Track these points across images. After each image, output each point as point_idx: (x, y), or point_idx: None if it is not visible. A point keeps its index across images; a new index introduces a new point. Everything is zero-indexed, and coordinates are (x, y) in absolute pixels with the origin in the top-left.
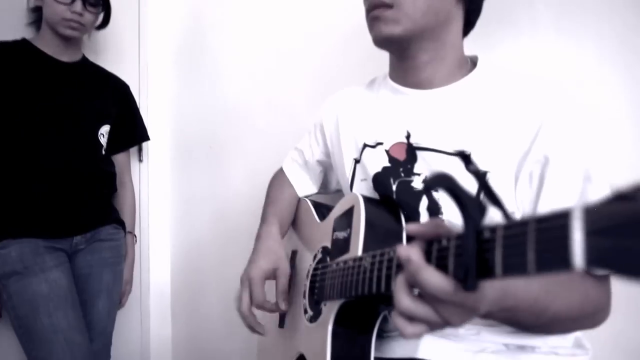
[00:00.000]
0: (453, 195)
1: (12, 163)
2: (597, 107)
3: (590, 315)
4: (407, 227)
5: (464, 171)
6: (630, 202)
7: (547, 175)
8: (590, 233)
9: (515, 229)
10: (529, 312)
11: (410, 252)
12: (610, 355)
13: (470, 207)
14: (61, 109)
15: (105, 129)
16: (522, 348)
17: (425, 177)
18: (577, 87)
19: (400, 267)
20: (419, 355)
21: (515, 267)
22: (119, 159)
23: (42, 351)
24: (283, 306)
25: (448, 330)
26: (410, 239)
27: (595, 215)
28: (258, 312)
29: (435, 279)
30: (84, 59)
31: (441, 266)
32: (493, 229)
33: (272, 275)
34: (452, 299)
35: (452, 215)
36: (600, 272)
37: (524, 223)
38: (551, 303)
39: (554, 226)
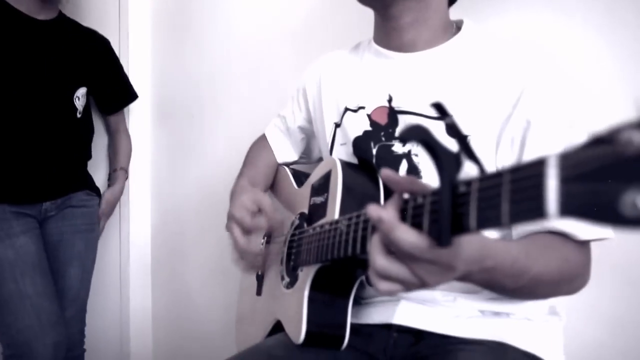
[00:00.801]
0: (428, 148)
1: None
2: (585, 79)
3: (570, 280)
4: (382, 172)
5: (445, 135)
6: (606, 145)
7: (529, 139)
8: (565, 180)
9: (490, 180)
10: (508, 274)
11: (380, 212)
12: (585, 324)
13: (446, 160)
14: (34, 70)
15: (81, 92)
16: (497, 314)
17: (401, 129)
18: (564, 59)
19: (375, 227)
20: (394, 321)
21: (489, 219)
22: (111, 117)
23: (9, 317)
24: (277, 220)
25: (425, 297)
26: (387, 196)
27: (571, 161)
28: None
29: (408, 236)
30: (61, 15)
31: (416, 224)
32: (468, 183)
33: (255, 204)
34: (427, 256)
35: (431, 179)
36: (575, 220)
37: (498, 174)
38: (530, 265)
39: (528, 175)
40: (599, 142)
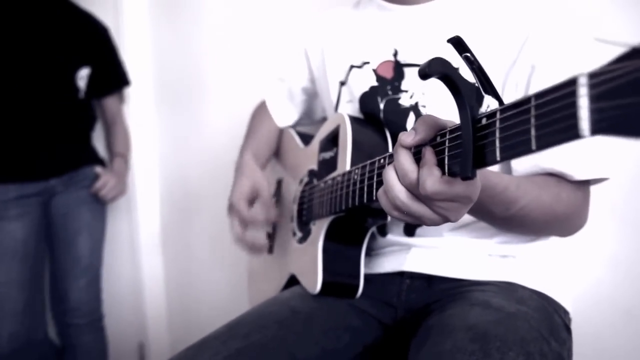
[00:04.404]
0: (448, 81)
1: None
2: (590, 24)
3: (563, 219)
4: (402, 140)
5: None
6: (632, 60)
7: (532, 84)
8: (597, 97)
9: (514, 109)
10: (497, 200)
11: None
12: (587, 263)
13: (467, 93)
14: (33, 47)
15: (84, 72)
16: (504, 257)
17: (421, 65)
18: (570, 4)
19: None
20: (406, 268)
21: (515, 147)
22: (108, 104)
23: None
24: (272, 215)
25: (435, 243)
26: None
27: (601, 78)
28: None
29: (430, 183)
30: None
31: (437, 162)
32: (491, 115)
33: (254, 192)
34: (449, 195)
35: None
36: (608, 137)
37: (523, 101)
38: (521, 196)
39: (557, 97)
40: (625, 57)
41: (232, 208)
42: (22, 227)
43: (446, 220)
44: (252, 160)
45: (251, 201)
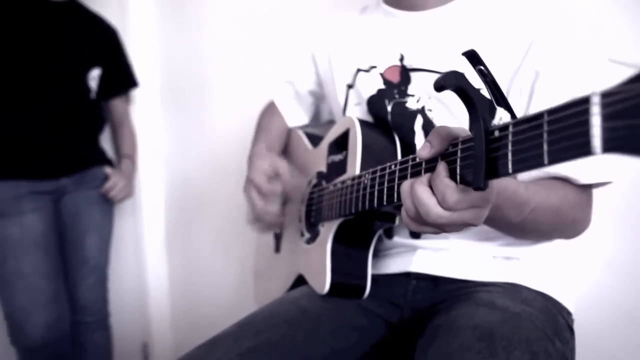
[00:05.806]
0: (462, 94)
1: None
2: (595, 31)
3: (569, 220)
4: (420, 154)
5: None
6: None
7: (536, 89)
8: (609, 116)
9: (525, 123)
10: (510, 205)
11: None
12: (589, 266)
13: (480, 106)
14: (47, 49)
15: (95, 73)
16: (508, 259)
17: (437, 78)
18: (574, 10)
19: (402, 178)
20: (412, 269)
21: (526, 160)
22: (115, 105)
23: (6, 294)
24: (291, 187)
25: (440, 245)
26: (404, 152)
27: (614, 98)
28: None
29: (450, 194)
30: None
31: (449, 171)
32: (504, 127)
33: (273, 170)
34: (465, 206)
35: None
36: (619, 155)
37: (534, 117)
38: (531, 198)
39: (569, 114)
40: (638, 78)
41: (249, 183)
42: (39, 219)
43: (468, 227)
44: (265, 150)
45: (270, 178)
